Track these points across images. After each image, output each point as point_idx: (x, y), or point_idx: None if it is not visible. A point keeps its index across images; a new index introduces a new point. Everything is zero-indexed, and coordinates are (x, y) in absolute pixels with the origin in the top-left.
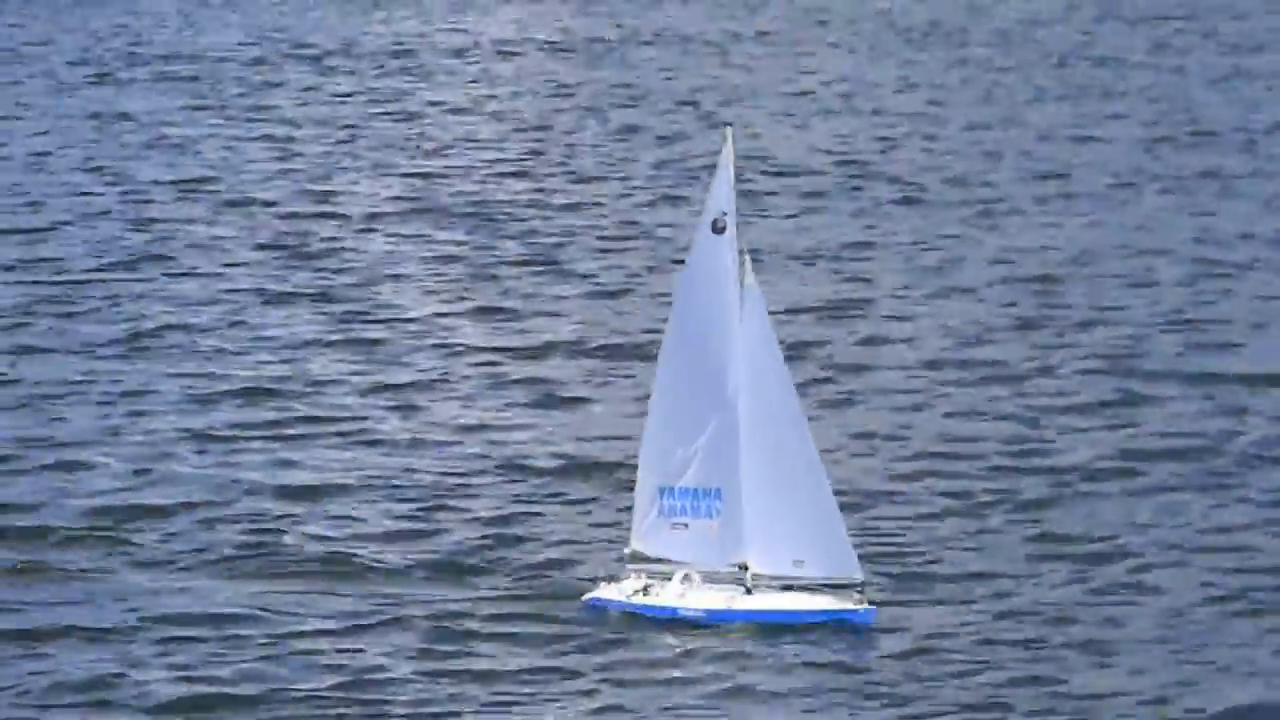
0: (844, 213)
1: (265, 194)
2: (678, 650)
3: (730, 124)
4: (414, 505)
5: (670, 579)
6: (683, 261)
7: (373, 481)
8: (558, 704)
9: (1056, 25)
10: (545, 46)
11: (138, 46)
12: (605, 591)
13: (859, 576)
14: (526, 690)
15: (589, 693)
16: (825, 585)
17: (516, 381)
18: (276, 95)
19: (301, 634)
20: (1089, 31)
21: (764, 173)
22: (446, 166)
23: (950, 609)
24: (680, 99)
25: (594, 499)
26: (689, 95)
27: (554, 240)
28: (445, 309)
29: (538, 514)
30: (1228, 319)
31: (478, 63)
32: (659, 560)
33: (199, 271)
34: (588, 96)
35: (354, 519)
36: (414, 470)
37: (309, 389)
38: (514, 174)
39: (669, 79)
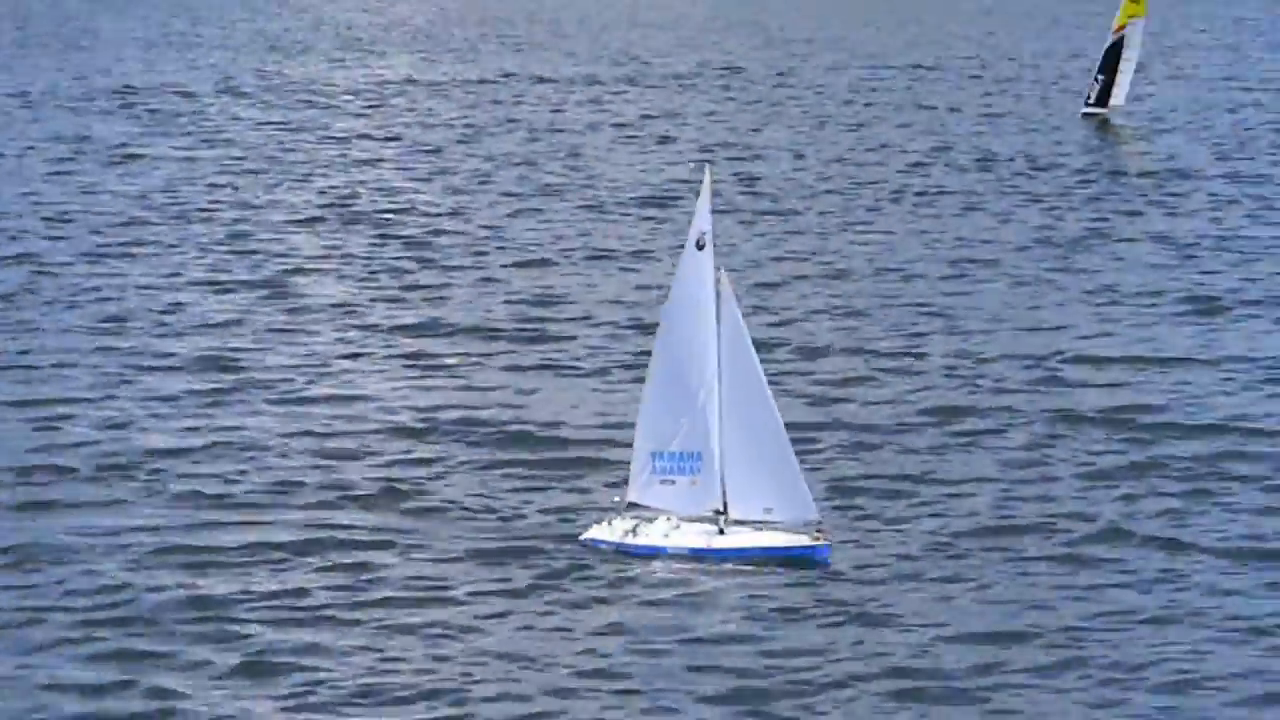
0: (671, 220)
1: (207, 203)
2: (661, 580)
3: (710, 161)
4: (364, 460)
5: (654, 521)
6: (545, 261)
7: (299, 438)
8: (557, 628)
9: (838, 73)
10: (432, 86)
11: (101, 80)
12: (598, 532)
13: (817, 518)
14: (526, 616)
15: (585, 617)
16: (784, 524)
17: (415, 354)
18: (214, 122)
19: (275, 570)
20: (863, 79)
21: (609, 188)
22: (352, 181)
23: (891, 544)
24: (539, 129)
25: (529, 459)
26: (547, 126)
27: (438, 241)
28: (355, 296)
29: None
30: (978, 308)
31: (378, 99)
32: (650, 509)
33: (153, 265)
34: (466, 127)
35: (300, 468)
36: (345, 430)
37: (249, 360)
38: (408, 188)
39: (531, 112)
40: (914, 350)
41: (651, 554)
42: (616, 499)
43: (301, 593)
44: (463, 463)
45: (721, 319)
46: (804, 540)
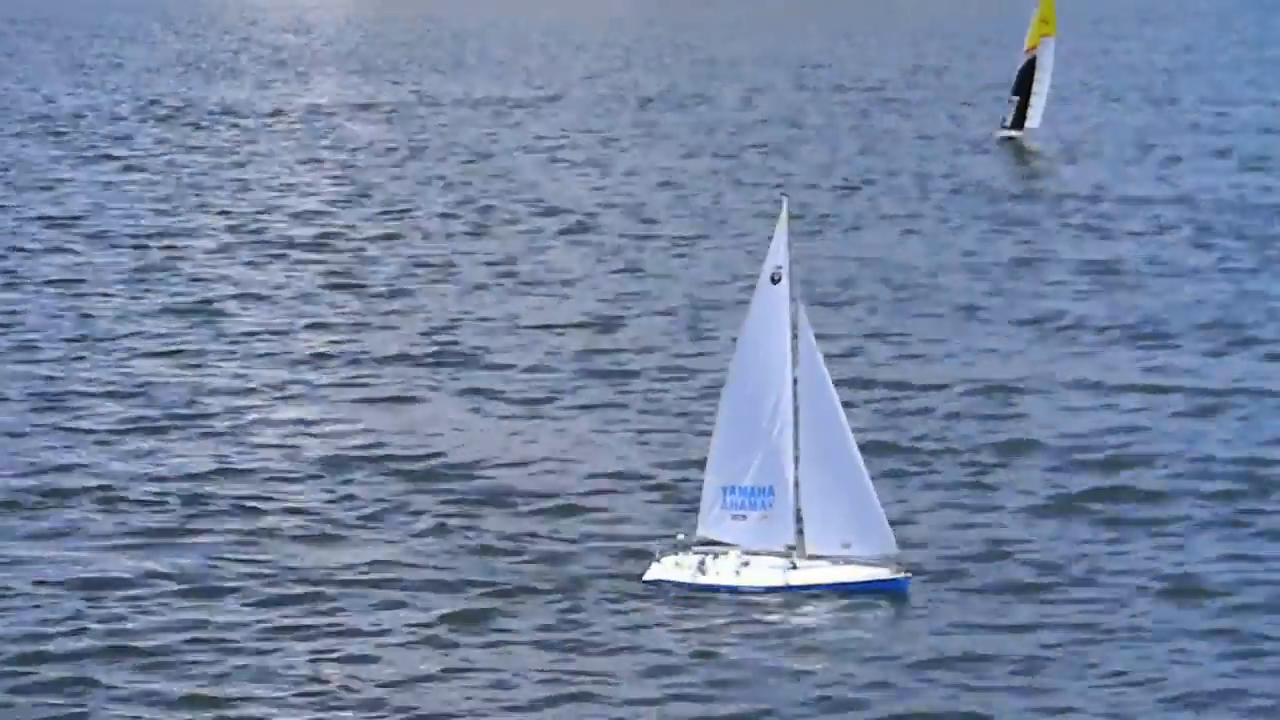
0: (596, 244)
1: (125, 227)
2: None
3: (786, 195)
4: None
5: (719, 556)
6: (475, 286)
7: (229, 470)
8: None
9: (763, 94)
10: (351, 109)
11: (23, 104)
12: (665, 570)
13: (896, 551)
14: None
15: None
16: (863, 559)
17: (344, 383)
18: (133, 145)
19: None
20: (788, 101)
21: (533, 212)
22: (271, 204)
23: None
24: (463, 150)
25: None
26: (471, 147)
27: (361, 265)
28: (282, 323)
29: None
30: (917, 334)
31: (295, 122)
32: (721, 543)
33: (72, 291)
34: (387, 149)
35: (236, 498)
36: (276, 460)
37: (173, 387)
38: (328, 211)
39: (454, 135)
40: (856, 378)
41: (724, 592)
42: (681, 536)
43: (280, 628)
44: (409, 496)
45: (799, 352)
46: (882, 573)
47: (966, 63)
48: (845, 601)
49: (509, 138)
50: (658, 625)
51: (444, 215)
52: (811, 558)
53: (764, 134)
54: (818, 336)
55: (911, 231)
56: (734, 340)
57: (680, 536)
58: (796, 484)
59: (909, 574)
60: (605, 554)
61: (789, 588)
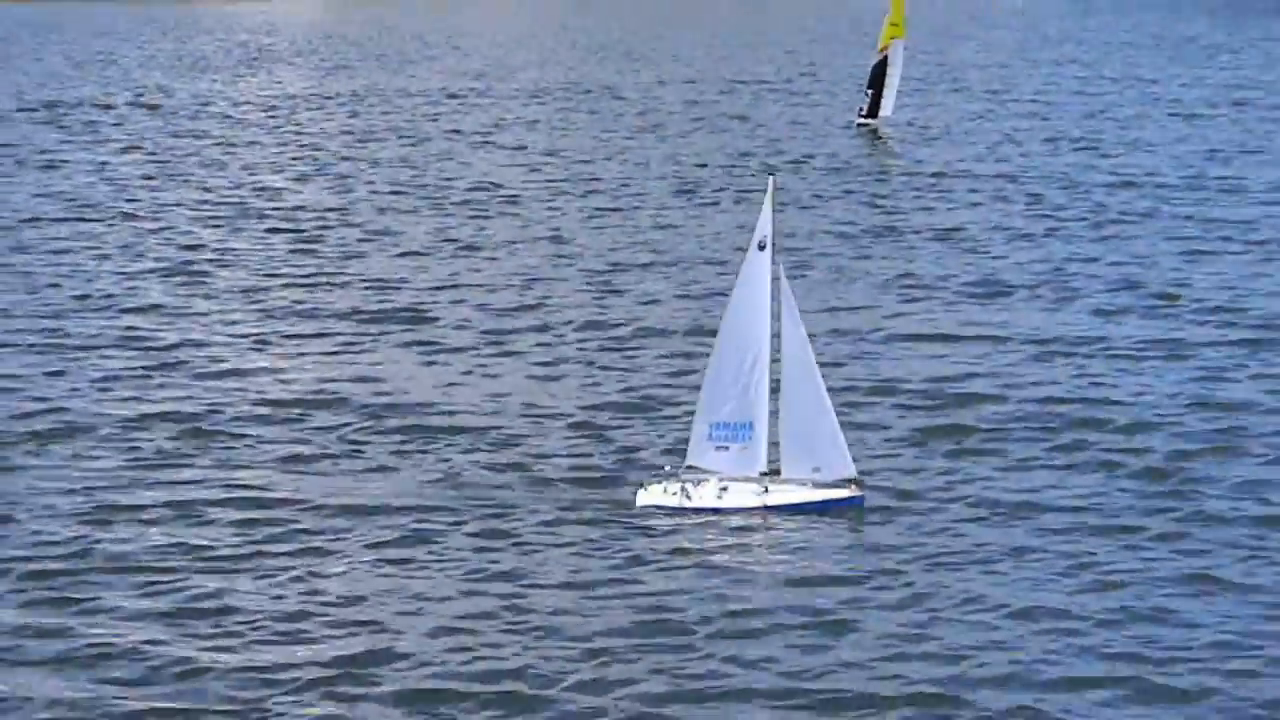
0: (523, 216)
1: (119, 200)
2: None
3: (773, 172)
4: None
5: (699, 483)
6: (420, 253)
7: (210, 412)
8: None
9: (665, 86)
10: (312, 99)
11: (32, 94)
12: (652, 494)
13: (855, 474)
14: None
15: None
16: (827, 482)
17: (315, 335)
18: (127, 130)
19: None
20: (686, 92)
21: (468, 188)
22: (243, 181)
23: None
24: (408, 134)
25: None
26: (414, 132)
27: (321, 233)
28: (258, 284)
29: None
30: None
31: (264, 111)
32: (704, 471)
33: (73, 254)
34: (342, 133)
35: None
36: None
37: (159, 338)
38: (292, 187)
39: (400, 121)
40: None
41: (708, 514)
42: (668, 467)
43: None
44: (364, 434)
45: (782, 310)
46: (842, 493)
47: (831, 59)
48: (737, 525)
49: (447, 124)
50: (586, 542)
51: (392, 191)
52: (785, 481)
53: (663, 121)
54: (709, 295)
55: (786, 204)
56: (647, 298)
57: (667, 467)
58: (775, 416)
59: (863, 492)
60: (533, 482)
61: (764, 508)
